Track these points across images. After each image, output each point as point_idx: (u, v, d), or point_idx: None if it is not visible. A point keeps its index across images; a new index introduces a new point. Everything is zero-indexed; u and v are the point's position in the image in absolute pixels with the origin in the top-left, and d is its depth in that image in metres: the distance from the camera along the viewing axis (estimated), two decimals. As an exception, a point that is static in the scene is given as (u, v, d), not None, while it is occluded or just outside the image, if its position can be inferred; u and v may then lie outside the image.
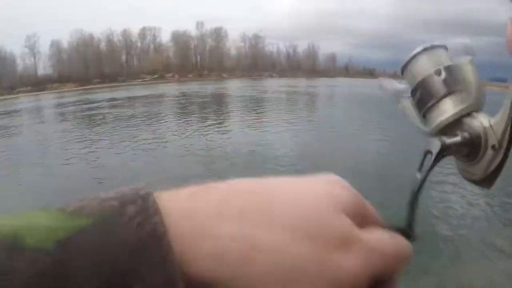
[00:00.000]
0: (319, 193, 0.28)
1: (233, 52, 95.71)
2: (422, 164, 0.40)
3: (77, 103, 29.69)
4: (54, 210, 0.24)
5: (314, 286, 0.25)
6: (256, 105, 26.65)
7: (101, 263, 0.21)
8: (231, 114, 20.74)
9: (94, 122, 18.10)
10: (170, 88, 40.33)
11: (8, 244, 0.21)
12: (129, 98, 31.81)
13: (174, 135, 14.02)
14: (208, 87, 43.12)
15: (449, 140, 0.42)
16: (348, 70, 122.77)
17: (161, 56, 75.89)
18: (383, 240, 0.30)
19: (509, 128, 0.41)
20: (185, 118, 18.15)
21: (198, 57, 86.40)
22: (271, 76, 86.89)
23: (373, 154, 12.11)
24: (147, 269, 0.22)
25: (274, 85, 52.96)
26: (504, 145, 0.41)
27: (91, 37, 78.88)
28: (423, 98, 0.46)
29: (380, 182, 8.49)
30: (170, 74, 67.02)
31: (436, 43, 0.47)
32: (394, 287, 0.31)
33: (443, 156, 0.42)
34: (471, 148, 0.43)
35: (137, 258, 0.22)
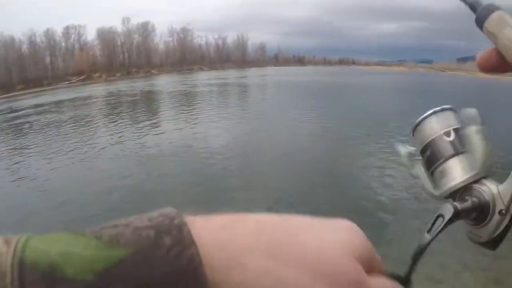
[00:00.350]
0: (338, 239, 0.32)
1: (161, 47, 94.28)
2: (432, 225, 0.42)
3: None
4: (89, 236, 0.25)
5: None
6: (187, 100, 26.74)
7: None
8: (163, 111, 20.71)
9: (20, 133, 17.24)
10: (98, 89, 39.27)
11: (46, 274, 0.22)
12: (56, 102, 30.45)
13: (104, 137, 13.86)
14: (138, 85, 42.34)
15: (460, 206, 0.44)
16: (278, 59, 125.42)
17: (87, 55, 72.79)
18: (386, 287, 0.34)
19: None
20: (116, 120, 17.92)
21: (126, 54, 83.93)
22: (201, 69, 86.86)
23: (306, 142, 12.43)
24: None
25: (204, 78, 53.08)
26: (511, 210, 0.43)
27: (11, 39, 73.28)
28: (432, 157, 0.49)
29: (312, 168, 9.24)
30: (97, 74, 64.79)
31: (446, 106, 0.50)
32: None
33: (454, 221, 0.44)
34: (479, 213, 0.45)
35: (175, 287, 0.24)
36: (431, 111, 0.50)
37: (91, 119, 18.89)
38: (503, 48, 0.41)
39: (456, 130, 0.48)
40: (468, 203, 0.45)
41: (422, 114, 0.50)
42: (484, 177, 0.46)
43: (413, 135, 0.52)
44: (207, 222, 0.28)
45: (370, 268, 0.33)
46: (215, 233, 0.28)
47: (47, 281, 0.22)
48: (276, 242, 0.29)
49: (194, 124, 15.73)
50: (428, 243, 0.41)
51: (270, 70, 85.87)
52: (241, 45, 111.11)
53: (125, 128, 15.54)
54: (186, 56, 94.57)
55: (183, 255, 0.25)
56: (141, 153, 11.25)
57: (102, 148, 12.02)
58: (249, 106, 22.57)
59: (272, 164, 9.68)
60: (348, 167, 9.47)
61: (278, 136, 13.21)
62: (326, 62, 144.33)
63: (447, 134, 0.48)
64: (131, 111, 21.71)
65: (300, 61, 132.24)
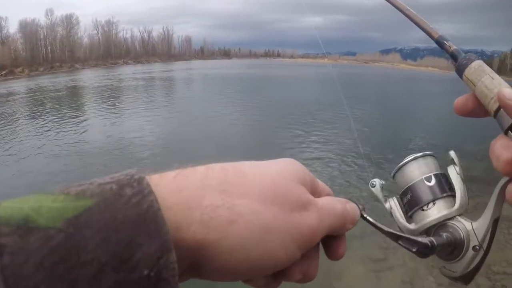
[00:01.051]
0: (280, 169, 0.38)
1: (85, 40, 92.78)
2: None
3: None
4: (57, 193, 0.28)
5: (283, 240, 0.34)
6: (113, 94, 26.46)
7: (107, 235, 0.26)
8: (89, 107, 20.21)
9: None
10: (21, 85, 38.12)
11: (21, 225, 0.25)
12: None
13: (28, 136, 13.28)
14: (62, 80, 40.76)
15: (436, 240, 0.46)
16: (204, 52, 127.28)
17: (9, 49, 69.50)
18: (332, 202, 0.40)
19: (490, 230, 0.46)
20: (40, 117, 17.12)
21: (49, 48, 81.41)
22: (126, 63, 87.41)
23: (233, 132, 13.17)
24: (146, 238, 0.27)
25: (129, 72, 52.69)
26: (485, 246, 0.46)
27: None
28: (413, 200, 0.52)
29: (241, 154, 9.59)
30: (19, 69, 62.84)
31: (428, 152, 0.53)
32: (343, 241, 0.42)
33: (427, 256, 0.46)
34: (453, 248, 0.47)
35: (137, 230, 0.27)
36: (412, 157, 0.53)
37: (13, 117, 17.70)
38: (481, 94, 0.44)
39: (436, 176, 0.51)
40: (443, 238, 0.47)
41: (403, 160, 0.54)
42: (459, 215, 0.49)
43: (393, 178, 0.55)
44: (162, 175, 0.33)
45: (315, 191, 0.40)
46: (170, 181, 0.32)
47: (22, 231, 0.24)
48: (226, 179, 0.34)
49: (121, 119, 15.80)
50: None
51: (196, 63, 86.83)
52: (167, 38, 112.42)
53: (51, 125, 15.00)
54: (111, 50, 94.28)
55: (143, 202, 0.28)
56: (70, 150, 11.12)
57: (29, 148, 11.59)
58: (176, 100, 22.90)
59: (201, 154, 9.91)
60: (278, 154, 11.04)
61: (206, 129, 13.46)
62: (252, 55, 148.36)
63: (428, 179, 0.51)
64: (56, 107, 20.92)
65: (225, 54, 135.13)
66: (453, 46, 0.50)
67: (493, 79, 0.44)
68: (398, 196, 0.55)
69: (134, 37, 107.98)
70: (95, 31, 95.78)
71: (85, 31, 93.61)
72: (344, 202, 0.42)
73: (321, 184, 0.43)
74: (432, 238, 0.46)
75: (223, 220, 0.31)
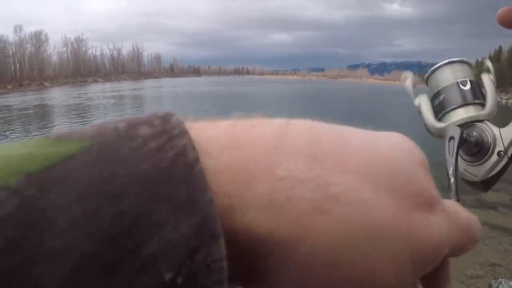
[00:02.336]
0: (399, 147, 0.21)
1: (54, 58, 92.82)
2: (448, 149, 0.45)
3: None
4: (35, 139, 0.16)
5: (396, 253, 0.18)
6: (82, 113, 26.38)
7: (96, 204, 0.14)
8: (57, 126, 20.20)
9: None
10: None
11: None
12: None
13: None
14: (30, 98, 40.92)
15: (465, 133, 0.46)
16: (174, 70, 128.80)
17: None
18: (459, 210, 0.24)
19: None
20: (7, 135, 17.37)
21: (17, 65, 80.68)
22: (95, 81, 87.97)
23: None
24: (169, 211, 0.14)
25: (99, 90, 53.11)
26: (510, 153, 0.45)
27: None
28: (445, 102, 0.51)
29: None
30: None
31: (464, 59, 0.52)
32: (447, 269, 0.24)
33: (462, 144, 0.45)
34: (478, 150, 0.47)
35: (154, 196, 0.15)
36: (447, 61, 0.52)
37: None
38: None
39: (472, 82, 0.50)
40: (471, 137, 0.47)
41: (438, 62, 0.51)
42: (489, 120, 0.49)
43: (426, 81, 0.55)
44: (212, 122, 0.19)
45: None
46: (225, 130, 0.18)
47: None
48: (317, 139, 0.19)
49: None
50: (456, 160, 0.42)
51: (166, 81, 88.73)
52: (137, 56, 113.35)
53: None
54: (80, 68, 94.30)
55: (168, 147, 0.16)
56: None
57: None
58: None
59: None
60: None
61: None
62: (222, 72, 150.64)
63: (463, 83, 0.50)
64: (24, 126, 21.16)
65: (195, 71, 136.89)
66: None
67: None
68: (426, 94, 0.54)
69: (104, 54, 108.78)
70: (64, 48, 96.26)
71: (54, 48, 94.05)
72: (469, 212, 0.24)
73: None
74: (462, 129, 0.46)
75: (307, 206, 0.17)
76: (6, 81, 71.23)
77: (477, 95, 0.50)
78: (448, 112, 0.51)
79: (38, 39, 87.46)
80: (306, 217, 0.17)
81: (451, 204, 0.23)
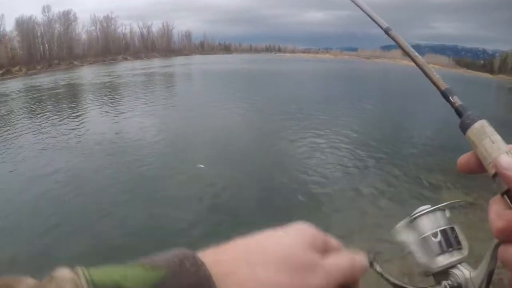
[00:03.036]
0: (293, 238, 0.44)
1: (83, 37, 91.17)
2: None
3: None
4: (134, 265, 0.36)
5: None
6: (112, 91, 26.75)
7: None
8: (89, 104, 20.41)
9: None
10: (18, 84, 37.48)
11: None
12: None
13: (28, 133, 13.52)
14: (60, 78, 40.88)
15: (443, 284, 0.53)
16: (204, 47, 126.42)
17: (6, 48, 67.92)
18: (339, 259, 0.45)
19: (485, 282, 0.50)
20: (42, 116, 17.58)
21: (46, 45, 79.58)
22: (125, 59, 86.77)
23: (235, 129, 13.51)
24: None
25: (129, 68, 52.70)
26: None
27: None
28: (422, 250, 0.57)
29: (241, 153, 10.53)
30: (16, 68, 61.84)
31: (438, 206, 0.58)
32: None
33: None
34: None
35: None
36: (421, 211, 0.58)
37: (11, 116, 18.27)
38: (481, 156, 0.48)
39: (443, 232, 0.56)
40: (441, 286, 0.54)
41: (414, 211, 0.59)
42: (460, 263, 0.54)
43: (407, 226, 0.60)
44: (209, 252, 0.41)
45: (326, 249, 0.46)
46: (211, 256, 0.40)
47: None
48: (248, 253, 0.41)
49: (122, 116, 16.04)
50: None
51: (196, 58, 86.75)
52: (166, 33, 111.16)
53: (51, 123, 15.36)
54: (110, 46, 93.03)
55: (199, 271, 0.37)
56: (71, 147, 11.36)
57: (29, 145, 11.89)
58: (176, 97, 23.27)
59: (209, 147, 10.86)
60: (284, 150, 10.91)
61: (210, 125, 13.75)
62: (253, 50, 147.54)
63: (435, 235, 0.56)
64: (54, 105, 21.16)
65: (226, 49, 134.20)
66: (458, 102, 0.53)
67: (493, 143, 0.47)
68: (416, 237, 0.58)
69: (133, 32, 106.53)
70: (93, 27, 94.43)
71: (83, 27, 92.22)
72: (351, 255, 0.48)
73: (333, 240, 0.49)
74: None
75: (247, 285, 0.39)
76: (36, 61, 70.42)
77: (451, 243, 0.55)
78: (427, 258, 0.57)
79: (67, 18, 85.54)
80: None
81: (333, 259, 0.45)
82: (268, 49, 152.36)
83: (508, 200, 0.43)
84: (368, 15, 0.78)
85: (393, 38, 0.72)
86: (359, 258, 0.48)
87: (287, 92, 23.60)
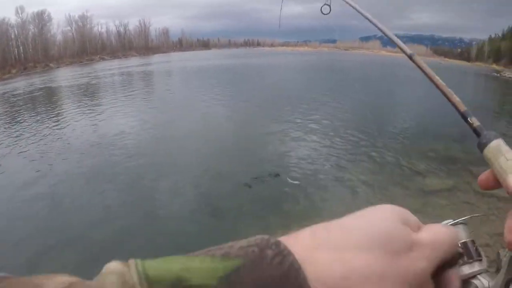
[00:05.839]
0: (381, 214, 0.38)
1: (59, 37, 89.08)
2: None
3: None
4: (201, 256, 0.31)
5: (397, 286, 0.34)
6: (90, 92, 26.28)
7: None
8: (66, 107, 20.15)
9: None
10: None
11: (175, 284, 0.28)
12: None
13: (7, 138, 13.35)
14: (36, 81, 39.95)
15: None
16: (182, 44, 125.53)
17: None
18: (438, 232, 0.40)
19: None
20: (17, 120, 17.24)
21: (21, 48, 77.17)
22: (103, 59, 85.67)
23: (218, 123, 13.63)
24: None
25: (106, 68, 52.15)
26: None
27: None
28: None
29: (228, 147, 10.69)
30: None
31: (461, 219, 0.58)
32: (456, 272, 0.42)
33: None
34: None
35: (284, 286, 0.30)
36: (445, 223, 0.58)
37: None
38: (498, 173, 0.50)
39: (464, 244, 0.56)
40: None
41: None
42: (480, 274, 0.54)
43: None
44: (288, 238, 0.35)
45: (420, 227, 0.40)
46: (301, 244, 0.34)
47: None
48: (333, 238, 0.35)
49: (100, 117, 15.90)
50: None
51: (175, 55, 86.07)
52: (144, 31, 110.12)
53: (30, 127, 15.09)
54: (86, 46, 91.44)
55: (284, 262, 0.31)
56: (51, 150, 11.24)
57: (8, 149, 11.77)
58: (155, 95, 23.26)
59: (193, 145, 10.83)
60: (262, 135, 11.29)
61: (192, 121, 13.89)
62: (231, 45, 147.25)
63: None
64: (30, 111, 20.40)
65: (204, 44, 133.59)
66: (476, 122, 0.57)
67: (507, 160, 0.50)
68: None
69: (110, 31, 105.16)
70: (69, 27, 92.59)
71: (59, 27, 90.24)
72: (449, 228, 0.42)
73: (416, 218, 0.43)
74: None
75: (337, 276, 0.33)
76: (11, 65, 68.40)
77: (471, 254, 0.55)
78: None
79: (41, 19, 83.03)
80: (337, 284, 0.32)
81: (430, 232, 0.39)
82: (246, 44, 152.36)
83: None
84: (395, 43, 0.88)
85: (416, 64, 0.76)
86: (454, 233, 0.42)
87: (265, 85, 24.07)
